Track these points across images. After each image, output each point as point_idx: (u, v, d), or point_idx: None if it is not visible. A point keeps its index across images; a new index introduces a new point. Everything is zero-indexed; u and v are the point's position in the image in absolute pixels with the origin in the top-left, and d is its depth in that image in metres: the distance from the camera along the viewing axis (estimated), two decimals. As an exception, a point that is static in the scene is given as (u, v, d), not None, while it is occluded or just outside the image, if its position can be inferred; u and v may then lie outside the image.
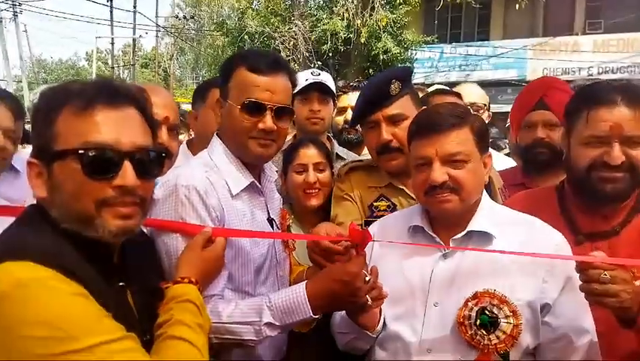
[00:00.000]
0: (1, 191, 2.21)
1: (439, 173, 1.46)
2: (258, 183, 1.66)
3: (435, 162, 1.47)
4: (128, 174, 1.06)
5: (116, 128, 1.07)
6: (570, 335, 1.46)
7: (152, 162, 1.14)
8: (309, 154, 2.21)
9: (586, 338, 1.47)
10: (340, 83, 3.11)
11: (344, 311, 1.57)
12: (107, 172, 1.05)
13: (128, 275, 1.18)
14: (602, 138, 1.57)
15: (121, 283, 1.15)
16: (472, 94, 2.99)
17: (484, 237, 1.52)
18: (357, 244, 1.48)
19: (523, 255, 1.44)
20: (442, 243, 1.55)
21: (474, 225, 1.53)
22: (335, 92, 2.81)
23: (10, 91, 2.79)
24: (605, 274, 1.30)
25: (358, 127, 2.80)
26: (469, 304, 1.44)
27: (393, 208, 1.97)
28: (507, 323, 1.41)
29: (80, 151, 1.04)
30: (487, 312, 1.42)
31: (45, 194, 1.07)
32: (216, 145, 1.65)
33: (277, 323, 1.42)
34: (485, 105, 3.27)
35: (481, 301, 1.43)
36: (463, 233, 1.53)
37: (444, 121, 1.47)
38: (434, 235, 1.56)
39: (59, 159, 1.05)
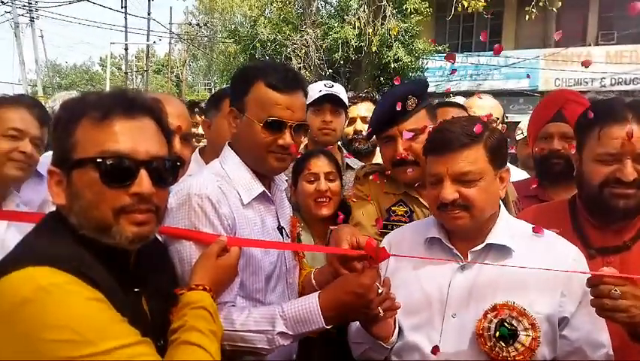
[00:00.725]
0: (24, 195, 2.27)
1: (449, 191, 1.48)
2: (268, 192, 1.68)
3: (446, 180, 1.49)
4: (144, 182, 1.09)
5: (132, 137, 1.10)
6: (586, 348, 1.46)
7: (167, 170, 1.16)
8: (320, 164, 2.25)
9: (602, 351, 1.47)
10: (350, 94, 3.14)
11: (359, 322, 1.57)
12: (124, 180, 1.08)
13: (143, 281, 1.20)
14: (615, 154, 1.59)
15: (136, 290, 1.17)
16: (485, 107, 2.98)
17: (503, 250, 1.53)
18: (370, 257, 1.48)
19: (538, 269, 1.44)
20: (459, 255, 1.56)
21: (492, 238, 1.54)
22: (347, 102, 2.84)
23: (34, 98, 2.85)
24: (616, 290, 1.31)
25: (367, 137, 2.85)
26: (489, 316, 1.45)
27: (410, 214, 2.02)
28: (526, 335, 1.42)
29: (98, 160, 1.06)
30: (506, 324, 1.43)
31: (64, 201, 1.10)
32: (228, 155, 1.68)
33: (290, 333, 1.43)
34: (499, 118, 3.26)
35: (501, 314, 1.44)
36: (482, 246, 1.54)
37: (455, 140, 1.49)
38: (451, 247, 1.57)
39: (78, 167, 1.08)
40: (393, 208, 2.05)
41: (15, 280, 0.96)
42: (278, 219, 1.72)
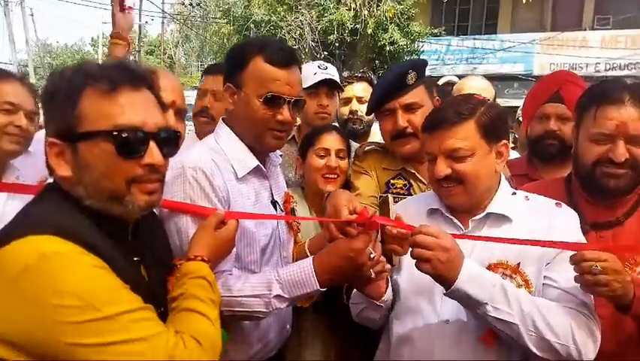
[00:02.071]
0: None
1: (442, 167, 1.55)
2: (263, 167, 1.69)
3: (439, 157, 1.56)
4: (154, 153, 1.14)
5: (140, 109, 1.13)
6: (569, 291, 1.51)
7: (171, 141, 1.20)
8: (333, 140, 2.27)
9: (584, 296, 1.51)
10: (345, 74, 3.12)
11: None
12: (137, 152, 1.11)
13: (141, 251, 1.24)
14: (608, 135, 1.64)
15: (135, 258, 1.20)
16: (474, 88, 2.99)
17: (502, 218, 1.60)
18: (363, 226, 1.50)
19: (526, 243, 1.51)
20: (459, 224, 1.63)
21: (492, 207, 1.61)
22: (340, 83, 2.83)
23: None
24: (597, 266, 1.37)
25: (363, 118, 2.86)
26: None
27: (409, 187, 2.08)
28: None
29: (114, 133, 1.08)
30: None
31: (69, 173, 1.11)
32: (223, 130, 1.70)
33: (286, 296, 1.48)
34: (489, 100, 3.27)
35: (495, 272, 1.51)
36: (482, 215, 1.61)
37: (445, 118, 1.56)
38: (451, 217, 1.65)
39: (87, 139, 1.09)
40: (392, 181, 2.12)
41: (18, 248, 0.98)
42: (272, 193, 1.75)
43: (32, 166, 1.99)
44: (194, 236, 1.40)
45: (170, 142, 1.19)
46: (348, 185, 2.28)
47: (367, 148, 2.29)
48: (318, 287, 1.48)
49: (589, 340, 1.44)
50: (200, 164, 1.52)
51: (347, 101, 2.95)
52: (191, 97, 2.75)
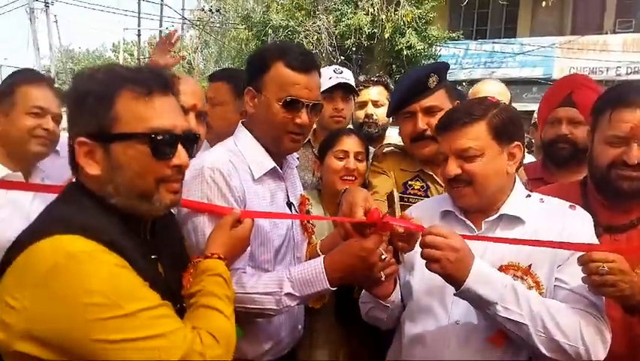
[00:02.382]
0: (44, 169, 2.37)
1: (452, 167, 1.58)
2: (279, 169, 1.73)
3: (450, 157, 1.59)
4: (182, 154, 1.21)
5: (170, 113, 1.20)
6: (579, 291, 1.51)
7: (192, 143, 1.27)
8: (352, 142, 2.30)
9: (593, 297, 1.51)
10: (362, 78, 3.15)
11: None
12: (169, 154, 1.18)
13: (158, 249, 1.28)
14: (622, 137, 1.65)
15: (153, 257, 1.25)
16: (490, 91, 2.99)
17: (515, 221, 1.61)
18: (373, 226, 1.52)
19: (536, 244, 1.52)
20: (472, 226, 1.65)
21: (505, 209, 1.62)
22: (355, 86, 2.86)
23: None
24: (603, 267, 1.38)
25: (378, 122, 2.90)
26: None
27: (426, 189, 2.11)
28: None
29: (152, 135, 1.15)
30: None
31: (98, 171, 1.16)
32: (242, 133, 1.75)
33: (297, 294, 1.52)
34: (503, 102, 3.26)
35: (507, 273, 1.53)
36: (495, 216, 1.62)
37: (455, 119, 1.59)
38: (464, 219, 1.66)
39: (122, 140, 1.14)
40: (410, 183, 2.16)
41: (46, 247, 1.03)
42: (287, 194, 1.79)
43: (61, 167, 2.06)
44: (211, 234, 1.45)
45: (191, 144, 1.26)
46: (365, 188, 2.29)
47: (386, 150, 2.33)
48: (328, 286, 1.51)
49: (598, 341, 1.44)
50: (217, 165, 1.57)
51: (363, 104, 2.98)
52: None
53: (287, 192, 1.81)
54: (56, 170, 2.14)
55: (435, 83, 2.04)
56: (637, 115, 1.63)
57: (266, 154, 1.71)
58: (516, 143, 1.63)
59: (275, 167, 1.71)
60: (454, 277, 1.45)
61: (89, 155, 1.16)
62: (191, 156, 1.27)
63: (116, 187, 1.16)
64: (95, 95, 1.15)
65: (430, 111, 2.04)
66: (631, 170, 1.65)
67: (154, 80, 1.19)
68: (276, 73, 1.63)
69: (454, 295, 1.49)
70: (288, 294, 1.51)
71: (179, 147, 1.20)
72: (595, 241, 1.59)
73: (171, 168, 1.20)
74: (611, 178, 1.70)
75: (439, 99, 2.06)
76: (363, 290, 1.74)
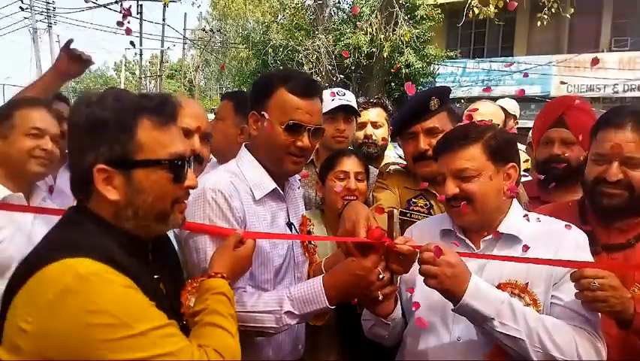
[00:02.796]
0: (60, 184, 2.43)
1: (450, 187, 1.64)
2: (280, 190, 1.78)
3: (448, 177, 1.65)
4: (191, 176, 1.29)
5: (182, 140, 1.29)
6: (575, 309, 1.54)
7: (196, 163, 1.37)
8: (352, 163, 2.36)
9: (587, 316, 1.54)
10: (361, 100, 3.24)
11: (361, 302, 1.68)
12: (184, 178, 1.27)
13: (160, 269, 1.32)
14: (604, 155, 1.74)
15: (156, 276, 1.29)
16: (486, 113, 3.05)
17: (512, 240, 1.65)
18: (373, 244, 1.55)
19: (533, 262, 1.55)
20: (471, 244, 1.70)
21: (503, 228, 1.67)
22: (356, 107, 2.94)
23: (61, 94, 2.99)
24: (594, 283, 1.43)
25: (377, 142, 2.99)
26: None
27: (430, 207, 2.17)
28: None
29: (174, 161, 1.23)
30: None
31: (118, 197, 1.19)
32: (244, 155, 1.80)
33: (296, 312, 1.54)
34: (499, 125, 3.31)
35: (504, 290, 1.56)
36: (494, 235, 1.66)
37: (453, 141, 1.66)
38: (464, 238, 1.71)
39: (144, 167, 1.20)
40: (413, 200, 2.22)
41: (56, 271, 1.05)
42: (288, 215, 1.82)
43: None
44: (215, 254, 1.48)
45: (191, 165, 1.33)
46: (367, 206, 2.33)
47: (391, 168, 2.40)
48: (327, 305, 1.53)
49: (593, 356, 1.47)
50: (219, 186, 1.62)
51: (362, 125, 3.05)
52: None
53: (288, 212, 1.84)
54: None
55: (436, 105, 2.12)
56: (619, 135, 1.71)
57: (267, 176, 1.75)
58: (511, 164, 1.68)
59: (276, 188, 1.76)
60: (452, 292, 1.48)
61: (107, 181, 1.19)
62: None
63: (135, 211, 1.21)
64: (114, 124, 1.18)
65: (431, 132, 2.11)
66: (611, 187, 1.72)
67: (169, 109, 1.25)
68: (279, 98, 1.69)
69: (452, 310, 1.52)
70: (288, 312, 1.53)
71: (189, 169, 1.28)
72: (590, 259, 1.62)
73: (184, 190, 1.28)
74: (594, 194, 1.78)
75: (441, 121, 2.14)
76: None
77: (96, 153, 1.18)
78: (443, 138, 1.74)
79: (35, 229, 2.00)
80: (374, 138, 3.00)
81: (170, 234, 1.57)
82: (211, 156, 2.98)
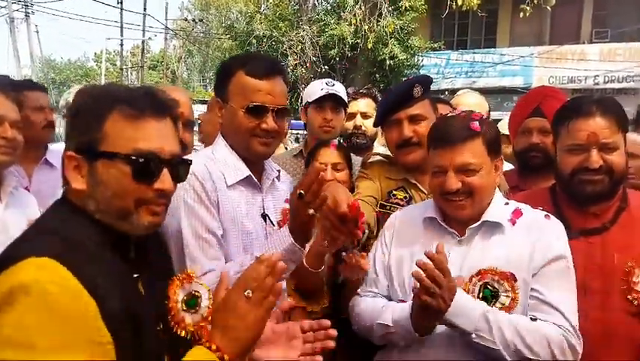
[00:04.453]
0: (35, 185, 2.33)
1: (453, 181, 1.64)
2: (254, 179, 1.77)
3: (449, 171, 1.65)
4: (166, 179, 1.18)
5: (160, 137, 1.18)
6: (553, 305, 1.59)
7: (183, 168, 1.26)
8: (329, 154, 2.36)
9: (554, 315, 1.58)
10: (350, 90, 3.22)
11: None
12: (151, 177, 1.16)
13: (142, 267, 1.24)
14: (582, 145, 1.78)
15: (135, 275, 1.21)
16: (471, 104, 3.08)
17: (495, 227, 1.69)
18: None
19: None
20: (455, 232, 1.72)
21: (488, 216, 1.70)
22: (346, 99, 2.95)
23: (36, 83, 2.89)
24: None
25: (366, 133, 3.01)
26: (474, 279, 1.61)
27: (409, 200, 2.17)
28: (506, 296, 1.59)
29: (133, 157, 1.13)
30: (489, 286, 1.60)
31: (83, 186, 1.15)
32: (219, 142, 1.81)
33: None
34: (483, 115, 3.35)
35: (484, 277, 1.61)
36: (479, 223, 1.69)
37: (458, 134, 1.65)
38: (446, 226, 1.73)
39: (106, 158, 1.14)
40: (394, 192, 2.21)
41: (14, 272, 1.00)
42: (263, 207, 1.80)
43: (54, 181, 2.02)
44: (219, 307, 1.16)
45: (182, 169, 1.26)
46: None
47: (373, 159, 2.40)
48: (293, 241, 1.52)
49: (568, 353, 1.54)
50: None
51: (351, 116, 3.06)
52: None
53: (264, 203, 1.82)
54: (50, 183, 2.09)
55: (419, 92, 2.13)
56: (591, 123, 1.76)
57: (241, 163, 1.75)
58: (500, 157, 1.73)
59: (250, 175, 1.75)
60: (437, 311, 1.51)
61: (76, 169, 1.16)
62: (181, 180, 1.26)
63: (97, 203, 1.16)
64: (87, 112, 1.16)
65: (415, 119, 2.12)
66: (593, 174, 1.76)
67: (147, 102, 1.18)
68: (237, 82, 1.68)
69: None
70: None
71: (165, 171, 1.18)
72: (567, 249, 1.67)
73: (153, 192, 1.17)
74: (574, 183, 1.81)
75: (424, 108, 2.15)
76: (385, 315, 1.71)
77: (71, 139, 1.17)
78: (441, 130, 1.72)
79: (7, 218, 1.95)
80: (363, 128, 3.01)
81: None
82: (200, 144, 3.00)
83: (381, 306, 1.75)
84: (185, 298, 1.27)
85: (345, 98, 2.85)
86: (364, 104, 3.06)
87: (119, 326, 1.05)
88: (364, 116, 3.02)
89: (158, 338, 1.19)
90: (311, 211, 1.51)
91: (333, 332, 1.31)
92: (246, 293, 1.09)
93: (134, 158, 1.14)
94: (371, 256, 1.87)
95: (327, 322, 1.34)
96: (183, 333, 1.23)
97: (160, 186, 1.17)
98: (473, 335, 1.52)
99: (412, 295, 1.57)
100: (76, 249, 1.07)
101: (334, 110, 2.76)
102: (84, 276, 1.03)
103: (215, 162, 1.71)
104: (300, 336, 1.33)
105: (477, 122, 1.66)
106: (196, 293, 1.28)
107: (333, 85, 2.82)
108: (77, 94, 1.23)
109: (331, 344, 1.32)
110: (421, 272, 1.47)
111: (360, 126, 3.01)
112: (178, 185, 1.47)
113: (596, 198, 1.81)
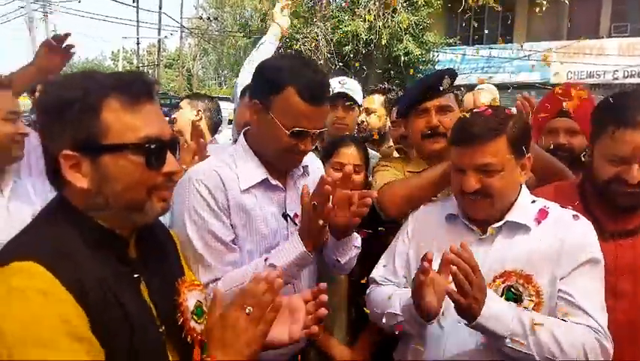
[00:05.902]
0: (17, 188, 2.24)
1: (471, 182, 1.58)
2: (272, 181, 1.72)
3: (468, 171, 1.59)
4: (172, 161, 1.14)
5: (158, 121, 1.14)
6: (583, 308, 1.53)
7: (176, 148, 1.21)
8: (349, 154, 2.30)
9: (594, 310, 1.53)
10: (371, 87, 3.40)
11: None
12: (162, 162, 1.12)
13: (143, 267, 1.19)
14: (624, 158, 1.68)
15: (135, 275, 1.15)
16: (482, 100, 3.09)
17: (520, 227, 1.63)
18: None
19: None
20: (478, 230, 1.67)
21: (511, 215, 1.64)
22: (362, 96, 3.05)
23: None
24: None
25: (368, 127, 3.12)
26: (497, 281, 1.56)
27: None
28: (530, 300, 1.53)
29: (145, 145, 1.08)
30: (512, 290, 1.55)
31: (86, 185, 1.08)
32: (241, 142, 1.77)
33: (277, 263, 1.55)
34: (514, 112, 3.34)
35: (509, 280, 1.56)
36: (502, 223, 1.64)
37: (478, 134, 1.57)
38: (469, 224, 1.69)
39: (113, 151, 1.07)
40: None
41: (5, 271, 0.98)
42: (285, 206, 1.78)
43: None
44: (220, 322, 1.14)
45: (175, 150, 1.21)
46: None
47: (394, 154, 2.43)
48: (304, 249, 1.55)
49: (600, 356, 1.49)
50: (203, 178, 1.61)
51: (368, 111, 3.18)
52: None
53: (285, 202, 1.77)
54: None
55: (448, 84, 2.13)
56: (637, 136, 1.65)
57: (259, 165, 1.71)
58: (528, 155, 1.64)
59: (266, 178, 1.71)
60: (470, 312, 1.45)
61: (74, 168, 1.07)
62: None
63: (106, 199, 1.09)
64: (78, 105, 1.06)
65: (443, 110, 2.10)
66: (630, 187, 1.69)
67: (140, 86, 1.11)
68: (287, 100, 1.60)
69: (465, 325, 1.49)
70: (270, 265, 1.55)
71: (169, 153, 1.14)
72: (598, 250, 1.61)
73: (162, 176, 1.13)
74: (610, 192, 1.74)
75: (452, 100, 2.16)
76: (400, 305, 1.68)
77: (62, 137, 1.07)
78: (462, 129, 1.65)
79: (12, 207, 1.99)
80: (365, 123, 3.13)
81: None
82: (214, 137, 3.06)
83: (388, 295, 1.73)
84: (193, 308, 1.24)
85: (360, 94, 2.91)
86: (367, 101, 3.20)
87: (111, 330, 1.02)
88: (367, 111, 3.16)
89: (159, 340, 1.14)
90: (321, 222, 1.52)
91: (324, 297, 1.32)
92: (247, 311, 1.09)
93: (146, 146, 1.09)
94: (391, 247, 1.86)
95: (323, 284, 1.34)
96: (192, 341, 1.20)
97: (168, 169, 1.13)
98: (507, 340, 1.44)
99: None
100: (66, 253, 1.02)
101: (346, 108, 2.85)
102: (71, 281, 0.99)
103: (232, 166, 1.69)
104: (303, 308, 1.31)
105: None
106: (200, 303, 1.27)
107: (346, 83, 2.90)
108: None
109: (324, 311, 1.31)
110: (454, 267, 1.41)
111: (363, 121, 3.15)
112: (185, 191, 1.53)
113: (629, 210, 1.77)
